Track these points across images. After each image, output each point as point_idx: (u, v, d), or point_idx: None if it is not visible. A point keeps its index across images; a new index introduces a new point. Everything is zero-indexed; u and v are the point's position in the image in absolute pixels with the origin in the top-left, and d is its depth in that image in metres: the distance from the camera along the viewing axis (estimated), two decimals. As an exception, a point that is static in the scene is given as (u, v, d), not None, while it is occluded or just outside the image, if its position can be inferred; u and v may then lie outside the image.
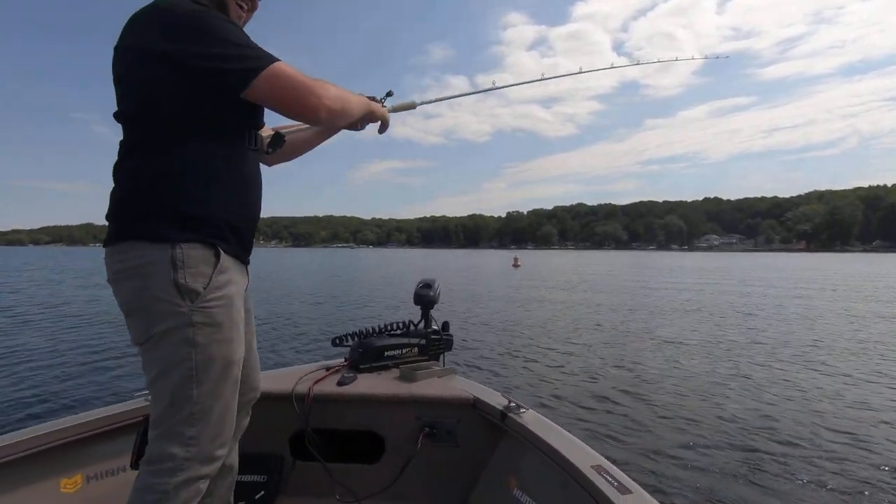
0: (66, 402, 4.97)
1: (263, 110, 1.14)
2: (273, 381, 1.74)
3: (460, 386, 1.72)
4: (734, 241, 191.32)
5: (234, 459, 1.30)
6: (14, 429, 1.40)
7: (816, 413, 4.04)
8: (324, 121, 1.06)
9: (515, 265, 33.75)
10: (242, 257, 1.11)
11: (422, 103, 1.48)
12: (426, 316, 2.05)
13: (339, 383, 1.71)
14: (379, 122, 1.30)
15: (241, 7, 1.13)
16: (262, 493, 1.59)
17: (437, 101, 1.50)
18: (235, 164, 1.06)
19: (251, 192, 1.11)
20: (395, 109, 1.41)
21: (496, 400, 1.56)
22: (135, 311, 0.98)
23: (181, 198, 0.99)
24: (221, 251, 1.01)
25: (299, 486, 1.66)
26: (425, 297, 2.04)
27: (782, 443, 3.39)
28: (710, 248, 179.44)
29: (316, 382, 1.71)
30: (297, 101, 1.00)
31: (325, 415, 1.65)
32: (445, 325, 2.06)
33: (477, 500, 1.55)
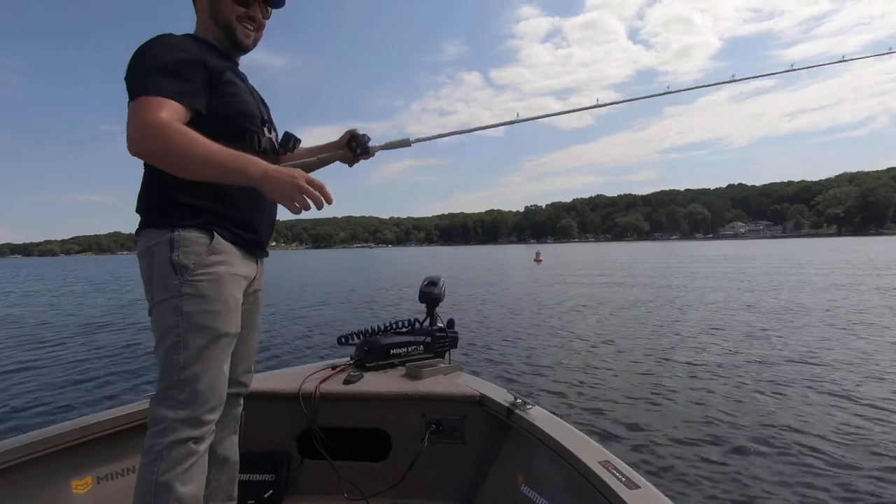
0: (75, 403, 4.98)
1: (261, 115, 1.26)
2: (280, 380, 1.75)
3: (466, 383, 1.72)
4: (761, 227, 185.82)
5: (233, 453, 1.34)
6: (25, 431, 1.41)
7: (838, 411, 3.75)
8: (137, 155, 1.03)
9: (537, 260, 32.83)
10: (247, 247, 1.21)
11: (415, 141, 1.44)
12: (431, 313, 2.04)
13: (346, 382, 1.71)
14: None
15: (247, 28, 1.23)
16: (271, 491, 1.59)
17: (431, 138, 1.48)
18: None
19: (255, 190, 1.14)
20: (389, 146, 1.42)
21: (502, 396, 1.56)
22: (146, 285, 1.13)
23: (182, 192, 1.11)
24: (217, 235, 1.12)
25: (307, 485, 1.67)
26: (430, 295, 2.04)
27: (794, 439, 3.25)
28: (736, 236, 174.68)
29: (322, 381, 1.72)
30: (128, 131, 1.01)
31: (332, 413, 1.66)
32: (451, 323, 2.06)
33: (485, 496, 1.55)
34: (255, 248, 1.24)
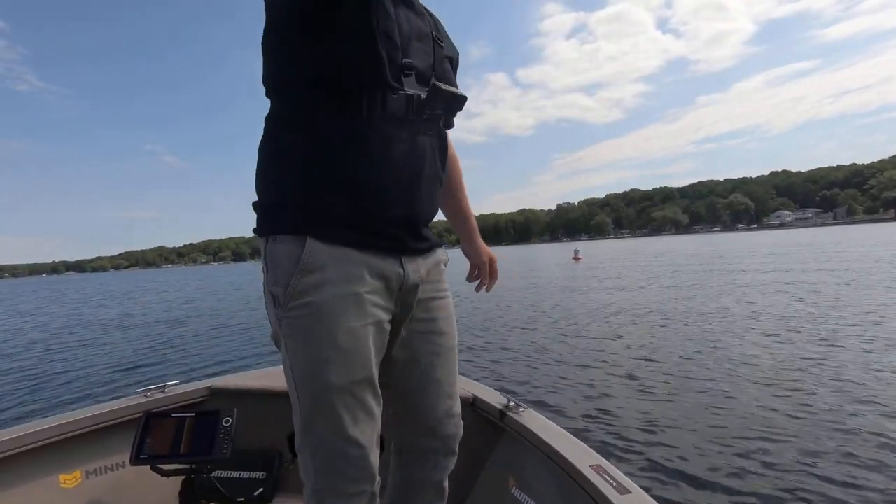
0: (66, 398, 5.03)
1: (402, 55, 0.81)
2: (273, 378, 1.75)
3: (459, 384, 1.72)
4: (809, 215, 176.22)
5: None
6: (14, 424, 1.42)
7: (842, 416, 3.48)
8: None
9: (576, 258, 31.58)
10: (377, 244, 0.82)
11: None
12: None
13: None
14: None
15: None
16: (261, 489, 1.60)
17: None
18: (351, 134, 0.78)
19: (386, 166, 0.80)
20: None
21: (495, 399, 1.55)
22: None
23: (273, 181, 0.81)
24: (311, 240, 0.77)
25: (298, 484, 1.68)
26: None
27: (788, 447, 3.11)
28: (782, 226, 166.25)
29: None
30: None
31: None
32: None
33: (475, 498, 1.54)
34: (394, 242, 0.83)
